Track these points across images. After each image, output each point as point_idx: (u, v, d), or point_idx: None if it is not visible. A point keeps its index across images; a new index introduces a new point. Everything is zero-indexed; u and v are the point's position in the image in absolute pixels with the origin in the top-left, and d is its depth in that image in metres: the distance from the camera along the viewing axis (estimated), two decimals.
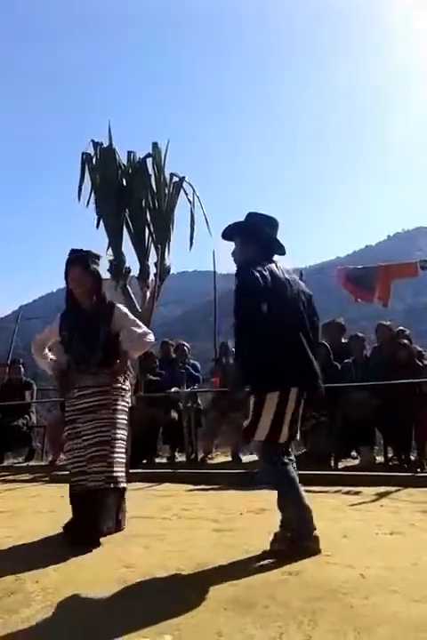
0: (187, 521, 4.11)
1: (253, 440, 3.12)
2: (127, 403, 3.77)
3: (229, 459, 7.31)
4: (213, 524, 3.93)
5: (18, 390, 8.60)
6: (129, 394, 3.80)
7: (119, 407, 3.67)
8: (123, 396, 3.72)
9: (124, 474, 3.70)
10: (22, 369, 8.84)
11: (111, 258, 11.84)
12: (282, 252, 3.32)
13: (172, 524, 4.02)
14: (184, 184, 11.99)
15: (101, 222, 11.82)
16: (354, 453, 6.87)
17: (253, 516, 4.14)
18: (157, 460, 7.79)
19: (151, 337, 3.83)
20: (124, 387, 3.73)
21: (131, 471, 6.73)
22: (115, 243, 11.81)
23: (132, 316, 3.85)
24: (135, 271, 12.03)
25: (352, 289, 8.55)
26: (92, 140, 11.86)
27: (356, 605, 2.29)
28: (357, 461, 6.58)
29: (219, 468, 6.81)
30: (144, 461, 7.46)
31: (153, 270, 11.90)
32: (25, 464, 8.26)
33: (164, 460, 7.74)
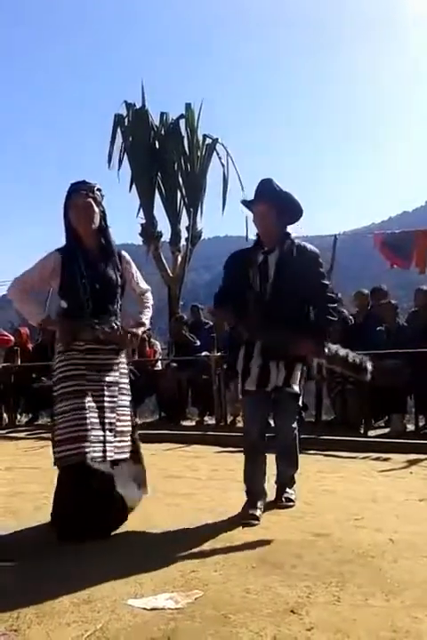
0: (216, 482, 4.16)
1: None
2: (126, 363, 3.28)
3: None
4: (241, 484, 3.96)
5: (51, 350, 8.75)
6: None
7: (123, 370, 3.22)
8: (125, 358, 3.27)
9: (128, 443, 3.15)
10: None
11: (143, 222, 11.83)
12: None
13: (201, 484, 4.08)
14: (217, 146, 11.83)
15: (133, 185, 11.77)
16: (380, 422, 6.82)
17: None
18: (186, 423, 7.90)
19: (150, 295, 3.38)
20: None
21: (161, 432, 6.89)
22: (146, 206, 11.78)
23: (134, 267, 3.34)
24: (167, 236, 12.00)
25: (388, 255, 8.36)
26: (125, 101, 11.74)
27: (384, 568, 2.29)
28: (387, 429, 6.53)
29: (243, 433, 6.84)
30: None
31: (185, 234, 11.86)
32: None
33: (192, 423, 7.83)
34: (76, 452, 2.90)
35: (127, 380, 3.24)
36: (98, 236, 3.13)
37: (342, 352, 3.18)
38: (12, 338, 9.31)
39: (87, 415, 2.95)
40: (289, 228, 3.23)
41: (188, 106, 11.77)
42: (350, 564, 2.34)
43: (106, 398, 3.04)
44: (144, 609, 1.97)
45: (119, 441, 3.07)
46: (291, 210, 3.21)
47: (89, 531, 2.79)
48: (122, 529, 2.95)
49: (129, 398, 3.22)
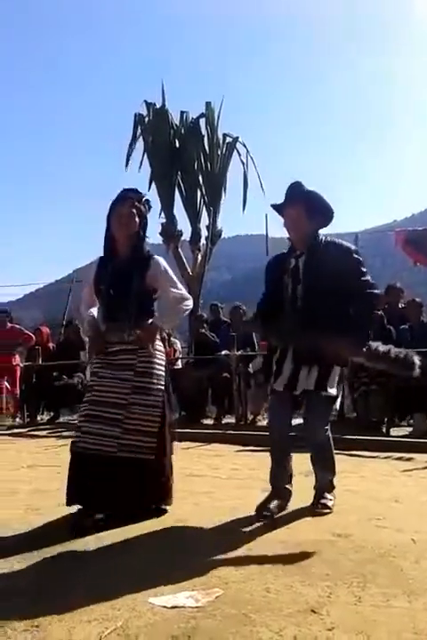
0: (236, 481, 4.16)
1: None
2: (160, 366, 3.26)
3: None
4: (262, 484, 3.94)
5: (73, 349, 8.84)
6: (162, 356, 3.33)
7: (143, 369, 3.18)
8: (151, 358, 3.22)
9: (148, 444, 3.12)
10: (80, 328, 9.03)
11: (163, 221, 11.88)
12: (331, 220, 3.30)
13: (221, 483, 4.08)
14: (237, 145, 11.83)
15: (153, 184, 11.83)
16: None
17: (302, 478, 4.11)
18: (206, 422, 7.91)
19: (189, 303, 3.37)
20: (156, 348, 3.25)
21: (181, 430, 6.89)
22: (166, 205, 11.84)
23: (171, 274, 3.35)
24: (187, 234, 12.04)
25: (411, 252, 8.27)
26: (145, 101, 11.82)
27: (406, 569, 2.26)
28: (409, 429, 6.46)
29: (268, 430, 6.83)
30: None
31: (205, 233, 11.88)
32: None
33: (212, 422, 7.84)
34: (74, 441, 3.13)
35: (146, 380, 3.18)
36: (132, 245, 3.23)
37: (383, 348, 3.04)
38: (34, 337, 9.43)
39: (89, 409, 3.13)
40: (321, 231, 3.21)
41: (208, 105, 11.81)
42: (371, 565, 2.32)
43: (112, 394, 3.13)
44: (164, 607, 1.97)
45: (130, 439, 3.08)
46: (321, 212, 3.17)
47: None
48: (142, 527, 2.96)
49: (149, 398, 3.17)
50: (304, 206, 3.12)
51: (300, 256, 3.15)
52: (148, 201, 3.31)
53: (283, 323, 3.12)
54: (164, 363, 3.31)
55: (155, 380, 3.20)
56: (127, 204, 3.19)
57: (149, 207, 3.33)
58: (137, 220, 3.21)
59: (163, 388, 3.24)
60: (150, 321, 3.23)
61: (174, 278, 3.35)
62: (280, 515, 3.09)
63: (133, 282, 3.16)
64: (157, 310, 3.32)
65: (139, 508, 3.14)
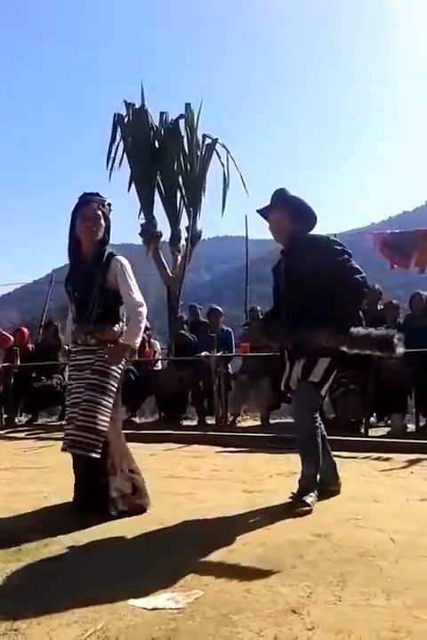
0: (216, 482, 4.15)
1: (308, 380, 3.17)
2: (117, 367, 3.24)
3: (258, 422, 7.36)
4: (242, 485, 3.97)
5: (51, 350, 8.76)
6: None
7: (97, 368, 3.19)
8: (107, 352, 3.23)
9: (93, 441, 3.10)
10: (58, 328, 8.95)
11: (143, 221, 11.84)
12: (315, 223, 3.39)
13: (201, 484, 4.07)
14: (218, 146, 11.85)
15: (133, 185, 11.79)
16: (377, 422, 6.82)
17: (282, 479, 4.15)
18: (187, 423, 7.90)
19: (144, 311, 3.26)
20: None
21: (160, 432, 6.88)
22: (146, 206, 11.80)
23: (128, 276, 3.26)
24: (166, 235, 12.02)
25: (389, 255, 8.38)
26: (125, 101, 11.77)
27: (385, 568, 2.28)
28: (387, 429, 6.53)
29: (248, 431, 6.85)
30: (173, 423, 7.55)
31: (184, 234, 11.87)
32: (58, 423, 8.46)
33: (193, 423, 7.83)
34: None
35: (100, 377, 3.17)
36: (97, 248, 3.26)
37: (363, 331, 3.16)
38: (12, 337, 9.30)
39: (67, 412, 3.32)
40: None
41: (187, 106, 11.81)
42: (350, 564, 2.33)
43: (75, 395, 3.24)
44: (145, 609, 1.97)
45: (77, 435, 3.12)
46: (304, 216, 3.30)
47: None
48: (122, 528, 2.94)
49: (101, 396, 3.15)
50: (287, 210, 3.27)
51: (283, 253, 3.34)
52: (110, 204, 3.34)
53: (274, 323, 3.31)
54: (121, 366, 3.27)
55: (109, 380, 3.20)
56: (93, 207, 3.23)
57: (111, 210, 3.35)
58: (103, 223, 3.26)
59: (116, 389, 3.24)
60: (121, 341, 3.24)
61: (131, 282, 3.26)
62: (259, 516, 3.10)
63: (95, 283, 3.21)
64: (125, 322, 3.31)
65: (91, 503, 3.18)
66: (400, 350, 3.10)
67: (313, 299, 3.06)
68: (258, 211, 3.42)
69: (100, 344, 3.22)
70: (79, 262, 3.31)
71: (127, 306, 3.28)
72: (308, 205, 3.31)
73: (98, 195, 3.30)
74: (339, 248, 3.19)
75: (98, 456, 3.10)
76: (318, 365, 3.14)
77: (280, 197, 3.32)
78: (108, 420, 3.16)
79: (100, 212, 3.24)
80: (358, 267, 3.14)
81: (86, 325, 3.24)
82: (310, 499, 3.14)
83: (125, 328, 3.30)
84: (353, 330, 3.12)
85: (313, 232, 3.33)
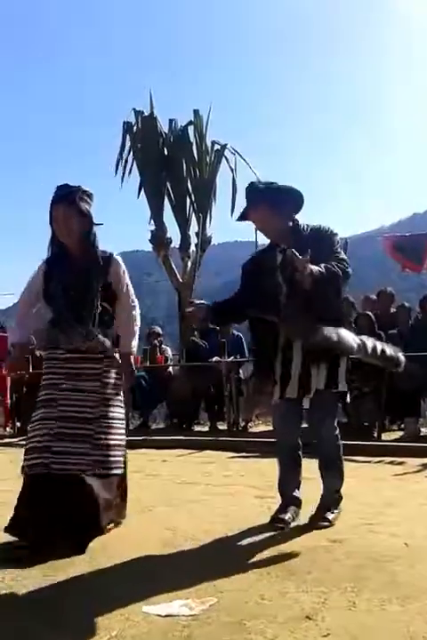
0: (229, 487, 4.15)
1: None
2: (120, 376, 3.09)
3: (270, 427, 7.33)
4: (254, 490, 3.96)
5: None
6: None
7: (110, 379, 3.01)
8: (114, 368, 3.06)
9: (118, 458, 2.99)
10: None
11: (153, 228, 11.89)
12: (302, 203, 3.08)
13: (214, 490, 4.06)
14: (227, 151, 11.87)
15: (142, 192, 11.84)
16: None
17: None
18: (198, 429, 7.90)
19: (137, 315, 3.14)
20: (115, 355, 3.08)
21: (172, 438, 6.89)
22: (156, 213, 11.84)
23: (127, 280, 3.11)
24: (176, 242, 12.06)
25: (399, 258, 8.32)
26: (134, 109, 11.83)
27: (400, 574, 2.26)
28: (401, 433, 6.49)
29: (260, 436, 6.84)
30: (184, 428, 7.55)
31: (194, 240, 11.91)
32: None
33: (205, 429, 7.83)
34: (38, 462, 2.82)
35: (114, 391, 3.02)
36: (83, 242, 2.99)
37: (371, 343, 2.92)
38: None
39: (52, 425, 2.87)
40: (298, 216, 3.04)
41: (196, 112, 11.85)
42: (365, 570, 2.32)
43: (80, 409, 2.91)
44: (159, 616, 1.96)
45: (101, 454, 2.90)
46: (288, 200, 3.00)
47: (46, 540, 2.68)
48: (136, 535, 2.95)
49: (117, 410, 3.03)
50: (267, 205, 2.96)
51: (284, 251, 2.94)
52: (86, 192, 3.00)
53: (284, 318, 2.92)
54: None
55: (119, 392, 3.07)
56: (63, 205, 2.93)
57: (89, 195, 3.02)
58: (77, 218, 2.93)
59: (123, 398, 3.12)
60: (123, 351, 3.07)
61: (128, 285, 3.11)
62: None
63: (93, 280, 2.96)
64: (118, 325, 3.08)
65: (103, 525, 2.89)
66: (401, 369, 2.99)
67: (324, 301, 2.83)
68: (237, 219, 3.16)
69: (102, 351, 2.99)
70: (67, 260, 3.01)
71: (123, 308, 3.08)
72: (288, 188, 3.03)
73: (68, 187, 2.97)
74: (337, 245, 2.98)
75: (123, 471, 3.03)
76: (340, 370, 2.94)
77: (254, 194, 3.02)
78: (124, 433, 3.08)
79: (72, 210, 2.92)
80: (344, 260, 2.92)
81: (86, 327, 2.94)
82: (332, 515, 2.99)
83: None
84: (362, 338, 2.91)
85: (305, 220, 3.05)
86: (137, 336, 3.14)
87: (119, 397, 3.06)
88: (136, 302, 3.15)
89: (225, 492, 4.00)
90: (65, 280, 2.97)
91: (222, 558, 2.55)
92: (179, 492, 3.93)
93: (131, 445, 6.74)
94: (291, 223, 3.01)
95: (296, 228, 3.00)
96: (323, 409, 3.01)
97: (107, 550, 2.71)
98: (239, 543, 2.75)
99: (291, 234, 2.97)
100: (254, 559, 2.51)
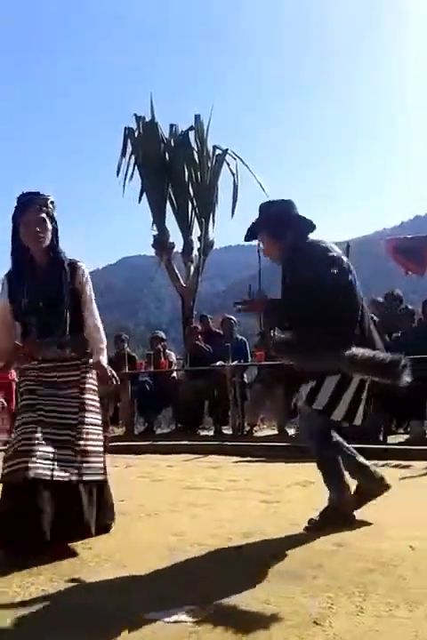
0: (234, 492, 4.14)
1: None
2: (94, 380, 3.08)
3: (275, 431, 7.33)
4: (260, 495, 3.95)
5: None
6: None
7: (88, 385, 3.01)
8: (92, 374, 3.05)
9: (98, 464, 2.97)
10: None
11: (155, 233, 11.91)
12: (313, 227, 3.11)
13: (219, 495, 4.06)
14: (228, 156, 11.90)
15: (144, 197, 11.87)
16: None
17: (300, 488, 4.14)
18: (203, 433, 7.90)
19: (103, 335, 3.11)
20: (89, 360, 3.05)
21: (177, 443, 6.89)
22: (158, 218, 11.87)
23: (90, 287, 3.09)
24: (179, 246, 12.08)
25: (402, 261, 8.28)
26: (135, 114, 11.87)
27: (407, 577, 2.25)
28: (406, 436, 6.47)
29: (265, 440, 6.84)
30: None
31: (197, 245, 11.93)
32: None
33: (210, 433, 7.83)
34: (19, 468, 2.73)
35: (93, 397, 3.03)
36: (48, 252, 2.97)
37: (368, 354, 2.79)
38: None
39: (33, 430, 2.83)
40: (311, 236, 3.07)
41: (197, 117, 11.88)
42: (371, 574, 2.31)
43: (60, 415, 2.91)
44: (164, 621, 1.96)
45: (82, 461, 2.88)
46: (292, 227, 3.03)
47: (27, 543, 2.67)
48: (141, 540, 2.95)
49: (96, 416, 3.03)
50: (269, 231, 3.08)
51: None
52: (53, 202, 2.99)
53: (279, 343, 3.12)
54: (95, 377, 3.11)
55: (95, 397, 3.06)
56: (35, 210, 2.88)
57: (55, 208, 3.00)
58: (49, 225, 2.93)
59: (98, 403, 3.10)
60: (97, 361, 3.01)
61: (91, 294, 3.09)
62: (278, 526, 3.08)
63: (64, 290, 2.94)
64: (88, 334, 3.05)
65: (90, 531, 2.89)
66: (406, 379, 2.83)
67: (309, 314, 2.80)
68: (245, 239, 3.23)
69: (78, 357, 2.99)
70: (32, 271, 2.96)
71: (90, 315, 3.05)
72: (293, 213, 3.06)
73: (38, 194, 2.94)
74: (330, 256, 2.91)
75: (105, 477, 3.01)
76: (323, 389, 2.92)
77: (261, 218, 3.11)
78: (102, 439, 3.05)
79: (43, 215, 2.90)
80: (335, 275, 2.84)
81: (58, 337, 2.94)
82: (320, 519, 2.98)
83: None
84: (358, 351, 2.79)
85: (313, 237, 3.07)
86: (105, 343, 3.10)
87: (96, 404, 3.06)
88: (99, 324, 3.10)
89: (231, 496, 4.00)
90: (32, 293, 2.93)
91: (228, 563, 2.55)
92: (184, 497, 3.93)
93: (136, 450, 6.82)
94: (287, 252, 3.02)
95: (289, 251, 3.01)
96: (303, 426, 3.17)
97: (112, 555, 2.71)
98: (245, 548, 2.75)
99: (286, 263, 3.04)
100: (260, 564, 2.50)
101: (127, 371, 8.16)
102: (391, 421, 6.68)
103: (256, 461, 5.60)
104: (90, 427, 2.96)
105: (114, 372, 3.08)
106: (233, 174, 11.77)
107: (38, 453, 2.76)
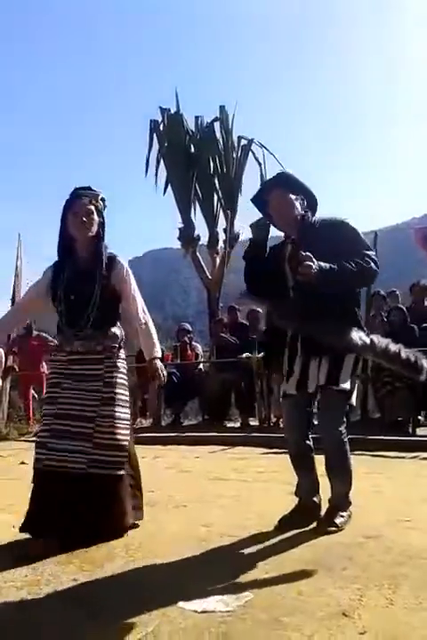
0: (262, 483, 4.15)
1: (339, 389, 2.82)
2: (126, 375, 3.10)
3: None
4: (287, 486, 3.92)
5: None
6: (125, 365, 3.14)
7: (115, 379, 3.00)
8: (118, 366, 3.04)
9: (119, 459, 2.95)
10: None
11: (181, 225, 11.93)
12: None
13: (247, 486, 4.07)
14: (254, 146, 11.84)
15: (169, 189, 11.89)
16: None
17: (326, 480, 4.11)
18: (230, 425, 7.91)
19: (147, 315, 3.12)
20: (119, 355, 3.06)
21: (205, 434, 6.92)
22: (184, 210, 11.89)
23: (133, 284, 3.10)
24: (205, 239, 12.08)
25: None
26: (160, 107, 11.89)
27: None
28: None
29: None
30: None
31: (222, 237, 11.91)
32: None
33: (236, 425, 7.85)
34: (37, 458, 2.89)
35: (116, 390, 2.99)
36: (93, 245, 3.02)
37: (394, 348, 2.78)
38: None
39: (49, 422, 2.92)
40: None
41: (222, 108, 11.84)
42: (402, 567, 2.29)
43: (80, 407, 2.92)
44: (195, 611, 1.98)
45: (100, 454, 2.88)
46: (302, 191, 2.98)
47: (50, 533, 2.76)
48: (171, 531, 2.97)
49: (120, 410, 2.99)
50: (287, 189, 2.95)
51: (293, 241, 2.93)
52: (104, 199, 3.08)
53: (286, 308, 2.90)
54: (126, 372, 3.13)
55: (123, 391, 3.04)
56: (85, 202, 2.97)
57: (105, 205, 3.09)
58: (96, 218, 3.00)
59: (128, 398, 3.09)
60: (152, 357, 3.03)
61: (135, 290, 3.10)
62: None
63: (96, 283, 2.97)
64: (133, 330, 3.09)
65: (107, 526, 2.87)
66: (424, 377, 2.79)
67: (334, 296, 2.74)
68: (252, 199, 3.11)
69: (102, 351, 2.99)
70: (73, 262, 3.04)
71: (133, 316, 3.07)
72: (305, 185, 3.02)
73: (90, 189, 3.05)
74: (359, 236, 2.86)
75: (123, 472, 2.97)
76: (344, 366, 2.79)
77: (279, 178, 3.05)
78: (128, 433, 3.03)
79: (92, 207, 2.98)
80: (373, 256, 2.80)
81: (82, 330, 2.96)
82: (340, 519, 2.85)
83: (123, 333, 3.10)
84: (383, 341, 2.79)
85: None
86: (155, 337, 3.09)
87: (124, 397, 3.04)
88: (146, 318, 3.10)
89: (258, 488, 4.00)
90: (68, 284, 3.00)
91: (258, 554, 2.56)
92: (212, 488, 3.95)
93: (163, 441, 6.87)
94: (301, 215, 2.94)
95: (306, 220, 2.94)
96: (325, 410, 2.90)
97: (142, 546, 2.74)
98: (274, 539, 2.75)
99: (300, 226, 2.93)
100: (291, 555, 2.51)
101: None
102: (420, 413, 6.59)
103: (283, 453, 5.57)
104: (112, 420, 2.94)
105: (163, 369, 3.08)
106: (259, 164, 11.72)
107: (49, 445, 2.86)
